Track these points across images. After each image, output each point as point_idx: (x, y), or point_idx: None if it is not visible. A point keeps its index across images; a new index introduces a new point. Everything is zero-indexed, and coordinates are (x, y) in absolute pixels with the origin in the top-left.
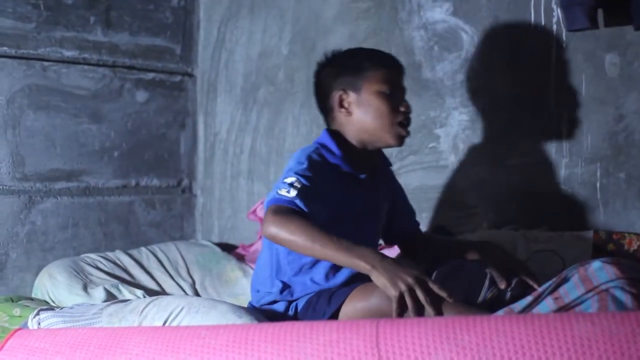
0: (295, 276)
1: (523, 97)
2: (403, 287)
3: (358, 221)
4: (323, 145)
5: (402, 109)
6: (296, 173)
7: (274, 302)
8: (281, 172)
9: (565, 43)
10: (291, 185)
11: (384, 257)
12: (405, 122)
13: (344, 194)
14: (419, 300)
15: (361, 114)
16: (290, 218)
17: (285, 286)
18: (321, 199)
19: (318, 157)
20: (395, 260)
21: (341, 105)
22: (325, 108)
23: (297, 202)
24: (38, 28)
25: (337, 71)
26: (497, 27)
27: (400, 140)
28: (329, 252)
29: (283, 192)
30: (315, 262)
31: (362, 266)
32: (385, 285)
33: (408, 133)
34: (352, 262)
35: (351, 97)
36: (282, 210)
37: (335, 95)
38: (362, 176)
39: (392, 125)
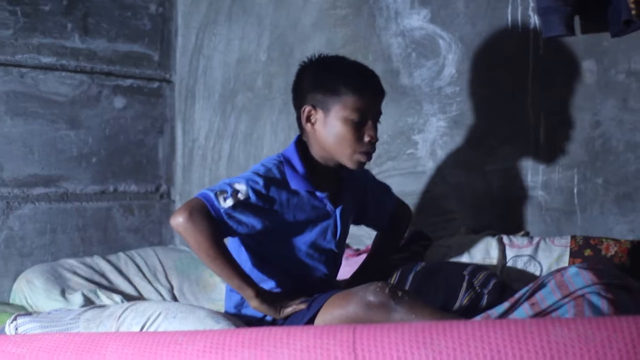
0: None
1: (500, 104)
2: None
3: (318, 234)
4: (287, 160)
5: (366, 139)
6: (248, 184)
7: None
8: None
9: (543, 50)
10: (235, 193)
11: (258, 296)
12: (369, 151)
13: (303, 210)
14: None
15: (324, 135)
16: (205, 224)
17: None
18: (266, 216)
19: (278, 173)
20: (263, 302)
21: (308, 120)
22: (298, 112)
23: (224, 214)
24: (15, 34)
25: (312, 84)
26: (475, 33)
27: (359, 166)
28: (221, 272)
29: (220, 196)
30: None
31: (242, 293)
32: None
33: (369, 159)
34: (233, 286)
35: (319, 115)
36: (202, 212)
37: (305, 109)
38: (322, 195)
39: (353, 153)
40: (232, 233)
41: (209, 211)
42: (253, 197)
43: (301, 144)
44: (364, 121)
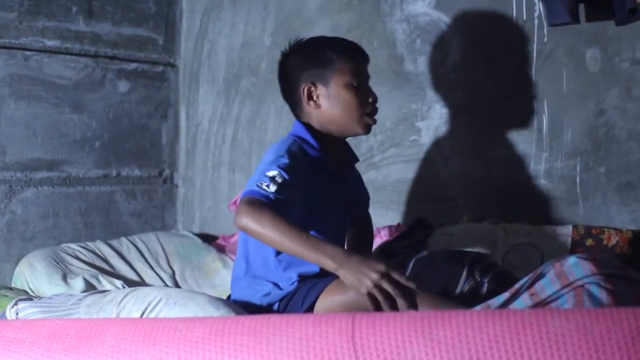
0: (285, 271)
1: (504, 91)
2: (370, 284)
3: (333, 212)
4: (301, 138)
5: (370, 99)
6: (278, 166)
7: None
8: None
9: (547, 37)
10: (272, 179)
11: (350, 255)
12: (373, 112)
13: (321, 186)
14: (390, 294)
15: (330, 107)
16: (263, 211)
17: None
18: (300, 192)
19: (298, 149)
20: (361, 257)
21: (310, 98)
22: (292, 99)
23: (273, 197)
24: (20, 17)
25: (303, 63)
26: (479, 20)
27: (368, 130)
28: (297, 248)
29: (263, 185)
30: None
31: (329, 264)
32: (353, 284)
33: (375, 122)
34: (319, 259)
35: (320, 90)
36: (256, 203)
37: (304, 88)
38: (337, 169)
39: (361, 117)
40: (289, 211)
41: (262, 200)
42: (287, 176)
43: (306, 126)
44: (362, 84)
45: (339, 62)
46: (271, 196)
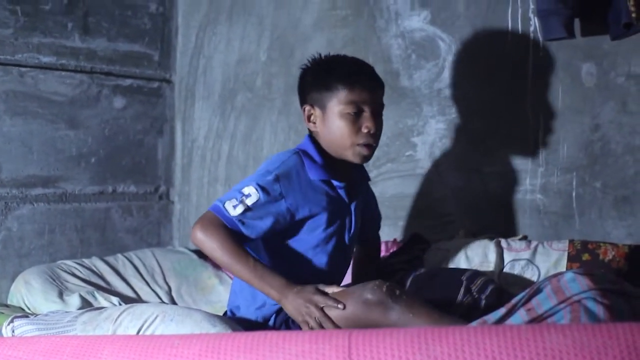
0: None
1: (500, 106)
2: (302, 316)
3: (334, 229)
4: (304, 152)
5: (364, 130)
6: (258, 184)
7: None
8: None
9: (542, 52)
10: (242, 200)
11: (291, 287)
12: (368, 142)
13: (322, 203)
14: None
15: (325, 131)
16: (217, 233)
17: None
18: (282, 213)
19: (294, 165)
20: (299, 289)
21: (309, 119)
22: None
23: (236, 221)
24: (15, 34)
25: (310, 83)
26: (475, 35)
27: (362, 159)
28: (245, 275)
29: (229, 205)
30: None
31: (273, 295)
32: (293, 315)
33: (370, 151)
34: (263, 289)
35: (317, 113)
36: (214, 222)
37: (305, 108)
38: (341, 184)
39: (352, 146)
40: (248, 238)
41: (222, 221)
42: (263, 197)
43: (314, 140)
44: (361, 113)
45: (336, 90)
46: (233, 219)
